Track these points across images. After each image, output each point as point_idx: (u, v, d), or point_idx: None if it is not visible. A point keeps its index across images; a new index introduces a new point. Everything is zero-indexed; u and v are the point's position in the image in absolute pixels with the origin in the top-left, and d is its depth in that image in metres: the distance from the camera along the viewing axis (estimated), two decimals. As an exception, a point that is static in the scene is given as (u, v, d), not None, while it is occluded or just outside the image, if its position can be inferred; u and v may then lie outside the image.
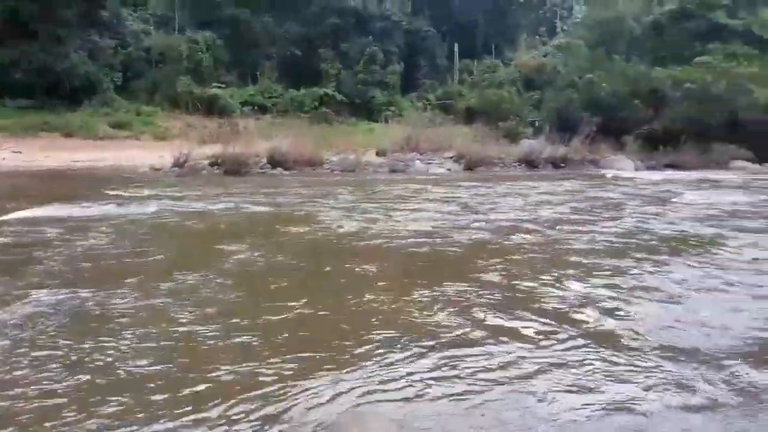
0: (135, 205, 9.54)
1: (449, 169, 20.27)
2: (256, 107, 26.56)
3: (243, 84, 28.48)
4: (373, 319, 4.00)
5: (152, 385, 2.82)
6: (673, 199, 12.30)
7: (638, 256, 6.69)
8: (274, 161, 17.71)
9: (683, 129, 23.46)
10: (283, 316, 3.94)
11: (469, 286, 5.02)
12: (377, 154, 21.27)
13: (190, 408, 2.61)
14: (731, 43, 31.64)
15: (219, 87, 26.22)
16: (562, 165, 21.31)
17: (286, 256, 5.99)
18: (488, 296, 4.77)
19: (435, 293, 4.70)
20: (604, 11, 31.24)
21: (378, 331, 3.74)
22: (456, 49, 28.87)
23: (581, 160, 21.96)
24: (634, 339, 3.89)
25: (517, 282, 5.28)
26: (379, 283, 5.09)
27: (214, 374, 2.97)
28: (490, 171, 20.22)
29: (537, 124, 24.81)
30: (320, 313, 4.10)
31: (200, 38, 28.08)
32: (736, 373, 3.33)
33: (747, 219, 9.56)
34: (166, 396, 2.72)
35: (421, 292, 4.74)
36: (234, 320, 3.81)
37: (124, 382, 2.87)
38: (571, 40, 29.93)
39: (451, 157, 21.37)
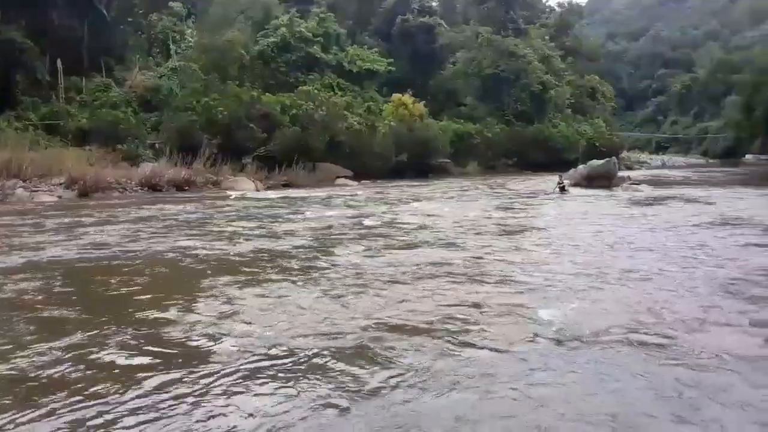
0: None
1: (60, 197, 18.42)
2: None
3: None
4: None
5: None
6: (290, 215, 13.58)
7: (268, 270, 7.29)
8: None
9: (294, 150, 25.87)
10: None
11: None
12: (-36, 182, 17.99)
13: None
14: (327, 75, 36.21)
15: None
16: (186, 188, 21.35)
17: None
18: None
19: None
20: (214, 38, 32.38)
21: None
22: (60, 65, 26.26)
23: (205, 182, 22.34)
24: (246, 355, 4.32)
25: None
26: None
27: None
28: (109, 197, 19.05)
29: (158, 146, 24.28)
30: None
31: None
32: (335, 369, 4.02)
33: (346, 231, 11.17)
34: None
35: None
36: None
37: None
38: (186, 63, 30.16)
39: (62, 183, 19.45)
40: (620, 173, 26.84)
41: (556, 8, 66.67)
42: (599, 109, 55.02)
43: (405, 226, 11.73)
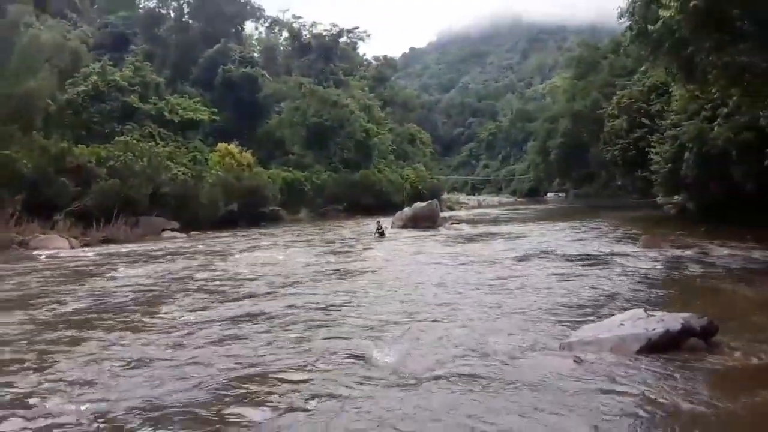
0: None
1: None
2: None
3: None
4: None
5: None
6: (107, 274, 12.60)
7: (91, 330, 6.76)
8: None
9: (114, 204, 24.17)
10: None
11: None
12: None
13: None
14: (147, 125, 34.57)
15: None
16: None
17: None
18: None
19: None
20: (12, 86, 29.55)
21: None
22: None
23: (9, 242, 20.06)
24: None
25: None
26: None
27: None
28: None
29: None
30: None
31: None
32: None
33: (172, 287, 10.69)
34: None
35: None
36: None
37: None
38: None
39: None
40: (442, 214, 28.66)
41: (373, 61, 70.60)
42: (419, 154, 58.76)
43: (236, 276, 11.48)
